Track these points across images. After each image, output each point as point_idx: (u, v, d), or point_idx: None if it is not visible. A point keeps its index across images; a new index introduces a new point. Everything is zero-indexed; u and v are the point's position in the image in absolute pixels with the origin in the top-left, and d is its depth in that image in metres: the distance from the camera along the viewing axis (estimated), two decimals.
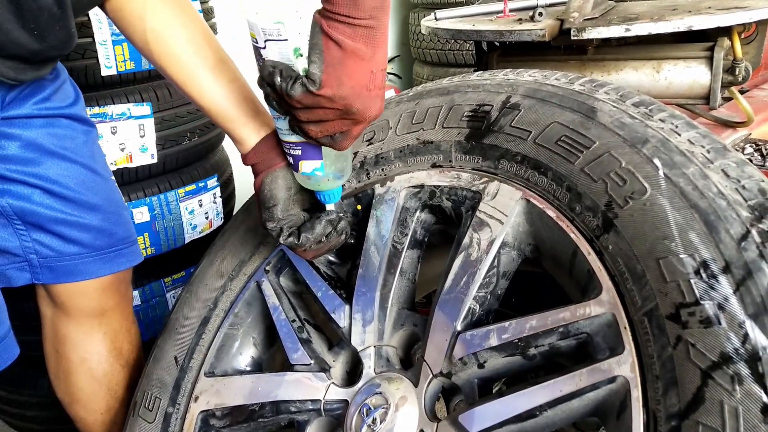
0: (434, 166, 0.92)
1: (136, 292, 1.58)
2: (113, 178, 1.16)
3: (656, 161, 0.70)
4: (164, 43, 0.94)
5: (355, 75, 0.72)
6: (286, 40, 0.74)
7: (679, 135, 0.73)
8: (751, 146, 1.27)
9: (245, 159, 0.91)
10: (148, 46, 0.95)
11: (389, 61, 3.38)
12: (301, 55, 0.75)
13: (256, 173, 0.90)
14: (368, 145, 1.00)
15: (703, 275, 0.61)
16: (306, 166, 0.86)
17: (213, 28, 1.75)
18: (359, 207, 1.00)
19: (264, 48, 0.76)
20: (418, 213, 0.93)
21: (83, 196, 1.04)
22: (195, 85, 0.93)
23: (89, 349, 1.15)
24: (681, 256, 0.63)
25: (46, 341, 1.18)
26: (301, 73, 0.74)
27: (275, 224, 0.88)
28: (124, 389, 1.19)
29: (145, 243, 1.57)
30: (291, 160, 0.87)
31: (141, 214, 1.56)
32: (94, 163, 1.08)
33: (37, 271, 1.06)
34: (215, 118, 0.95)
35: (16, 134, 0.95)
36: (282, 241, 0.89)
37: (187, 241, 1.66)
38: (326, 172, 0.86)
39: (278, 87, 0.74)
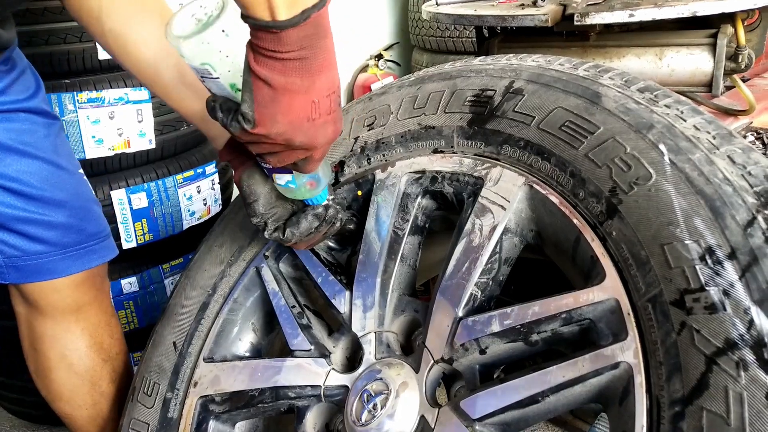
0: (436, 151, 0.91)
1: (134, 278, 1.57)
2: (81, 171, 1.12)
3: (661, 147, 0.69)
4: (124, 45, 0.90)
5: (291, 110, 0.67)
6: (218, 78, 0.71)
7: (685, 121, 0.72)
8: (752, 134, 1.26)
9: (220, 155, 0.87)
10: (110, 48, 0.92)
11: (388, 48, 3.36)
12: (239, 90, 0.71)
13: (233, 169, 0.87)
14: (369, 130, 0.99)
15: (709, 261, 0.60)
16: (279, 178, 0.84)
17: None
18: (360, 193, 0.99)
19: (203, 81, 0.74)
20: (419, 199, 0.93)
21: (47, 193, 1.01)
22: (160, 86, 0.91)
23: (68, 345, 1.12)
24: (686, 242, 0.62)
25: (23, 339, 1.15)
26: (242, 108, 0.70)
27: (259, 219, 0.85)
28: (108, 383, 1.17)
29: (143, 229, 1.56)
30: (264, 169, 0.84)
31: (139, 200, 1.54)
32: (58, 157, 1.04)
33: (3, 271, 1.03)
34: (185, 117, 0.93)
35: None
36: (267, 236, 0.86)
37: (186, 227, 1.65)
38: (299, 183, 0.83)
39: (220, 122, 0.71)
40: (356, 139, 1.01)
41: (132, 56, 0.91)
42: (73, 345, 1.13)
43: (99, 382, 1.16)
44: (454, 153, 0.89)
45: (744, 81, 1.31)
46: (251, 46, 0.66)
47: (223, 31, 0.69)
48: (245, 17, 0.64)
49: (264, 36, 0.63)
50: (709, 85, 1.23)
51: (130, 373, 1.23)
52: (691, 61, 1.23)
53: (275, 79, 0.65)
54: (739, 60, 1.21)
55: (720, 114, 1.23)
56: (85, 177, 1.14)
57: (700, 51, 1.21)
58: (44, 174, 1.01)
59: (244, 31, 0.66)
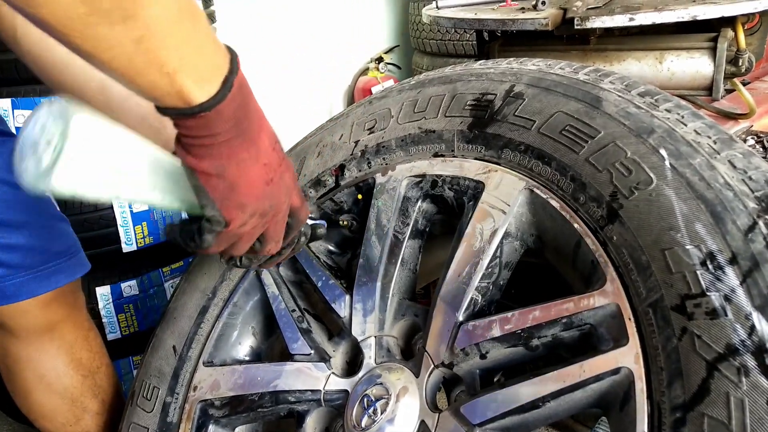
0: (436, 155, 0.91)
1: (134, 282, 1.57)
2: None
3: (662, 151, 0.69)
4: (43, 67, 0.86)
5: (252, 188, 0.62)
6: (131, 199, 0.62)
7: (686, 125, 0.72)
8: (753, 138, 1.26)
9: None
10: (32, 69, 0.87)
11: (388, 51, 3.37)
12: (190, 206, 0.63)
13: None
14: (369, 134, 0.99)
15: (710, 266, 0.60)
16: None
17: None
18: (360, 196, 0.99)
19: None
20: (419, 203, 0.93)
21: (3, 215, 0.96)
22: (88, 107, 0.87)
23: (45, 365, 1.10)
24: (687, 247, 0.62)
25: None
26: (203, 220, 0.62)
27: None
28: (90, 398, 1.15)
29: (143, 232, 1.55)
30: None
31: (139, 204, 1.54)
32: (12, 176, 0.99)
33: None
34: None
35: None
36: (225, 265, 0.80)
37: None
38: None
39: (192, 248, 0.65)
40: (356, 142, 1.01)
41: (54, 79, 0.87)
42: (49, 364, 1.10)
43: (80, 399, 1.14)
44: (454, 157, 0.89)
45: (744, 84, 1.31)
46: (180, 141, 0.58)
47: (85, 141, 0.54)
48: (162, 110, 0.56)
49: (191, 124, 0.55)
50: (709, 89, 1.23)
51: (115, 384, 1.21)
52: (692, 64, 1.23)
53: (226, 168, 0.58)
54: (740, 64, 1.21)
55: (720, 118, 1.23)
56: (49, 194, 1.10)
57: (700, 55, 1.21)
58: (0, 196, 0.96)
59: (111, 135, 0.56)
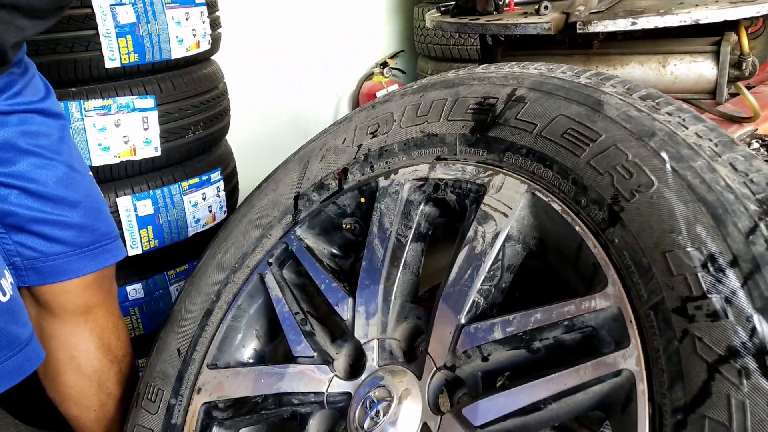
0: (439, 158, 0.92)
1: (139, 285, 1.58)
2: (90, 173, 1.14)
3: (663, 154, 0.69)
4: None
5: None
6: None
7: (687, 128, 0.72)
8: (757, 142, 1.26)
9: None
10: None
11: (393, 56, 3.38)
12: None
13: None
14: (372, 138, 1.00)
15: (711, 269, 0.60)
16: None
17: (217, 40, 1.75)
18: (363, 200, 1.00)
19: None
20: (422, 206, 0.93)
21: (62, 194, 1.03)
22: None
23: (77, 346, 1.14)
24: (688, 249, 0.62)
25: None
26: None
27: None
28: (115, 384, 1.18)
29: (148, 236, 1.56)
30: None
31: (144, 207, 1.55)
32: (71, 159, 1.06)
33: (23, 274, 1.03)
34: None
35: None
36: None
37: (191, 234, 1.65)
38: None
39: None
40: (360, 146, 1.01)
41: None
42: (82, 346, 1.14)
43: (106, 384, 1.17)
44: (456, 160, 0.90)
45: (748, 88, 1.31)
46: None
47: None
48: None
49: None
50: (713, 93, 1.23)
51: (136, 375, 1.24)
52: (695, 68, 1.23)
53: None
54: (743, 67, 1.21)
55: (724, 121, 1.23)
56: (94, 179, 1.15)
57: (703, 59, 1.21)
58: (59, 175, 1.03)
59: None
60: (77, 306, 1.11)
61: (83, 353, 1.14)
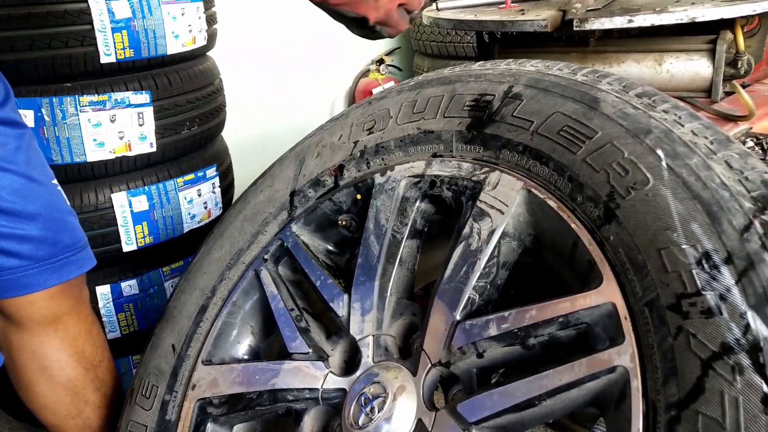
0: (435, 155, 0.92)
1: (134, 281, 1.57)
2: (55, 181, 1.10)
3: (659, 152, 0.69)
4: None
5: None
6: None
7: (683, 126, 0.72)
8: (752, 140, 1.27)
9: None
10: None
11: (389, 53, 3.37)
12: None
13: None
14: (369, 135, 1.00)
15: (705, 266, 0.60)
16: None
17: (213, 36, 1.74)
18: (359, 197, 1.00)
19: None
20: (418, 203, 0.93)
21: (18, 206, 0.99)
22: None
23: (48, 356, 1.11)
24: (683, 246, 0.62)
25: (2, 351, 1.13)
26: None
27: None
28: (92, 392, 1.16)
29: (143, 232, 1.56)
30: None
31: (140, 203, 1.55)
32: (29, 169, 1.02)
33: None
34: None
35: None
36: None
37: (186, 230, 1.65)
38: None
39: (382, 36, 0.96)
40: (356, 143, 1.01)
41: None
42: (53, 356, 1.11)
43: (82, 391, 1.14)
44: (452, 157, 0.90)
45: (744, 87, 1.31)
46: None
47: None
48: None
49: None
50: (708, 91, 1.24)
51: (116, 378, 1.21)
52: (691, 66, 1.23)
53: None
54: (739, 66, 1.21)
55: (720, 120, 1.23)
56: (59, 188, 1.11)
57: (699, 57, 1.22)
58: (15, 186, 0.99)
59: None
60: (44, 317, 1.08)
61: (55, 363, 1.11)
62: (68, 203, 1.12)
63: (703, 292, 0.60)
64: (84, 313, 1.15)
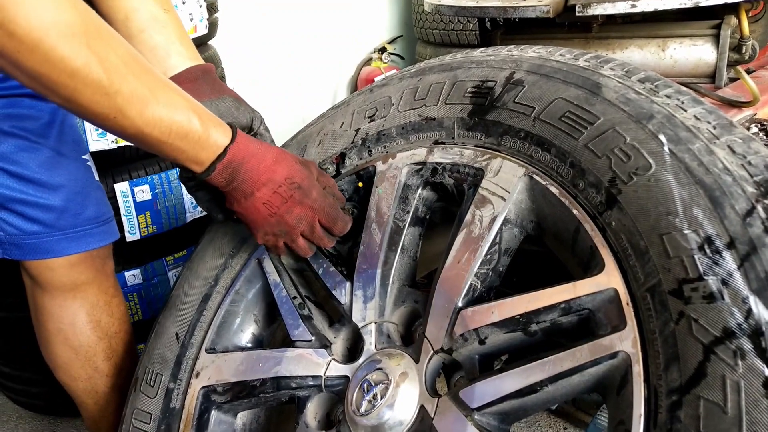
0: (436, 142, 0.91)
1: (137, 270, 1.58)
2: (86, 156, 1.15)
3: (661, 137, 0.69)
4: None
5: (256, 217, 0.87)
6: None
7: (685, 111, 0.72)
8: (756, 126, 1.26)
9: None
10: None
11: (392, 42, 3.36)
12: None
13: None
14: (370, 122, 0.99)
15: (707, 251, 0.60)
16: None
17: (214, 24, 1.73)
18: (360, 184, 1.00)
19: None
20: (419, 190, 0.93)
21: (44, 177, 1.05)
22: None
23: (64, 320, 1.16)
24: (685, 231, 0.62)
25: (30, 310, 1.21)
26: None
27: None
28: (103, 360, 1.20)
29: (146, 221, 1.56)
30: None
31: (142, 193, 1.55)
32: (60, 143, 1.08)
33: (6, 248, 1.08)
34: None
35: None
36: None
37: (189, 219, 1.65)
38: None
39: None
40: (357, 130, 1.01)
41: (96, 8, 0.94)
42: (68, 320, 1.16)
43: (93, 358, 1.19)
44: (454, 144, 0.89)
45: (748, 72, 1.30)
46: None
47: None
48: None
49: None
50: (712, 77, 1.22)
51: (132, 352, 1.25)
52: (695, 52, 1.22)
53: (234, 205, 0.87)
54: (743, 51, 1.20)
55: (723, 105, 1.22)
56: (89, 163, 1.16)
57: (703, 42, 1.21)
58: (42, 159, 1.05)
59: None
60: (63, 283, 1.13)
61: (70, 327, 1.17)
62: (97, 178, 1.18)
63: (705, 277, 0.59)
64: (105, 284, 1.19)
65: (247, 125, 0.94)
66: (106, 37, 0.69)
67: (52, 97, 0.68)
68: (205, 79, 0.95)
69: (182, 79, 0.92)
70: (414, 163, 0.92)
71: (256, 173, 0.83)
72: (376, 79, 3.09)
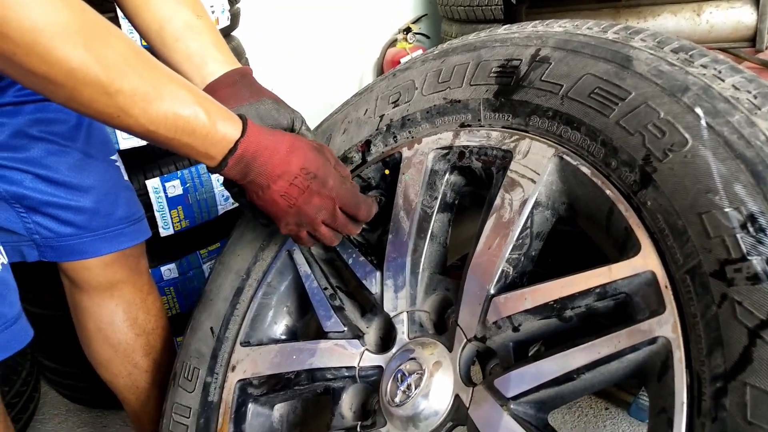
0: (463, 125, 0.89)
1: (173, 265, 1.60)
2: (114, 157, 1.17)
3: (698, 110, 0.65)
4: (125, 9, 0.97)
5: (275, 208, 0.86)
6: None
7: (723, 81, 0.68)
8: None
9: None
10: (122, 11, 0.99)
11: (416, 21, 3.31)
12: None
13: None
14: (394, 108, 0.98)
15: (751, 229, 0.57)
16: None
17: (237, 15, 1.72)
18: (387, 171, 0.98)
19: None
20: (447, 175, 0.91)
21: (74, 180, 1.06)
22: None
23: (103, 319, 1.19)
24: (726, 209, 0.59)
25: (70, 310, 1.24)
26: None
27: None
28: (142, 356, 1.22)
29: (179, 216, 1.58)
30: None
31: (174, 188, 1.56)
32: (88, 145, 1.09)
33: (42, 250, 1.10)
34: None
35: (5, 122, 0.98)
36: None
37: (221, 212, 1.66)
38: None
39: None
40: (381, 117, 0.99)
41: (131, 21, 0.96)
42: (107, 319, 1.19)
43: (132, 355, 1.22)
44: (481, 126, 0.87)
45: None
46: None
47: None
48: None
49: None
50: (752, 40, 1.17)
51: (169, 347, 1.28)
52: (733, 15, 1.16)
53: (253, 197, 0.86)
54: None
55: (766, 70, 1.17)
56: (118, 163, 1.18)
57: (741, 4, 1.15)
58: (72, 162, 1.06)
59: None
60: (99, 282, 1.16)
61: (108, 326, 1.19)
62: (126, 178, 1.20)
63: (749, 258, 0.56)
64: (140, 282, 1.22)
65: (288, 126, 0.92)
66: (105, 35, 0.68)
67: (53, 97, 0.68)
68: (243, 83, 0.94)
69: (220, 85, 0.92)
70: (440, 148, 0.90)
71: (270, 166, 0.82)
72: (401, 60, 3.05)
